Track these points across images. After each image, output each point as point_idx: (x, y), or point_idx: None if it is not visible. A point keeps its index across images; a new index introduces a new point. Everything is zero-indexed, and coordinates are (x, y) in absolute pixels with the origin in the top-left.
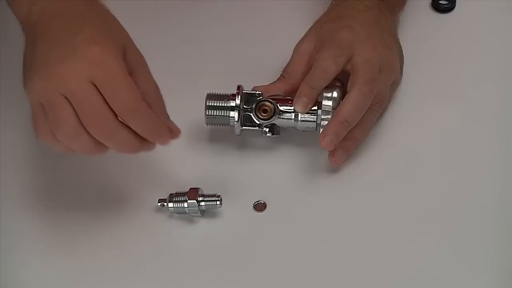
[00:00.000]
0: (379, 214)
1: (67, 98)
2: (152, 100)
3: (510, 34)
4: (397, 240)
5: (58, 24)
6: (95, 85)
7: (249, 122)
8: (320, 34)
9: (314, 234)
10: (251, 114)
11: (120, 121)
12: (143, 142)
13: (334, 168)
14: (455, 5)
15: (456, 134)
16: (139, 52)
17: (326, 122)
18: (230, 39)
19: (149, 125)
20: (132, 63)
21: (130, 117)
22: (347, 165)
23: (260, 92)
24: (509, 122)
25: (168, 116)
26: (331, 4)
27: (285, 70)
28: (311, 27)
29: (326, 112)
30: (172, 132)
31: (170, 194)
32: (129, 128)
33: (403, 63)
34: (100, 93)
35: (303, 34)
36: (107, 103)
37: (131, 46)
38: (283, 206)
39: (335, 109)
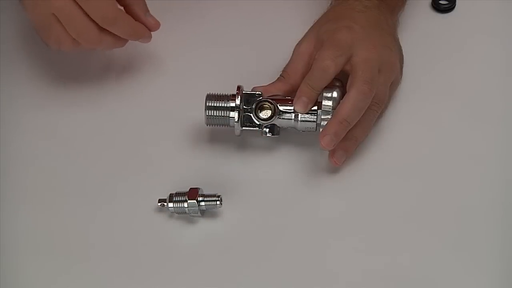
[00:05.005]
0: (379, 214)
1: (56, 16)
2: None
3: (510, 34)
4: (397, 240)
5: None
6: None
7: (249, 122)
8: (319, 35)
9: (314, 234)
10: (251, 114)
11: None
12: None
13: (334, 168)
14: (455, 5)
15: (456, 134)
16: None
17: (326, 122)
18: (230, 39)
19: (128, 29)
20: None
21: (111, 26)
22: (347, 165)
23: (260, 93)
24: (509, 121)
25: (147, 10)
26: (330, 4)
27: (284, 70)
28: (310, 28)
29: (326, 112)
30: (151, 28)
31: (170, 194)
32: (113, 34)
33: (403, 63)
34: (82, 8)
35: (303, 34)
36: (88, 16)
37: None
38: (283, 206)
39: (335, 109)
